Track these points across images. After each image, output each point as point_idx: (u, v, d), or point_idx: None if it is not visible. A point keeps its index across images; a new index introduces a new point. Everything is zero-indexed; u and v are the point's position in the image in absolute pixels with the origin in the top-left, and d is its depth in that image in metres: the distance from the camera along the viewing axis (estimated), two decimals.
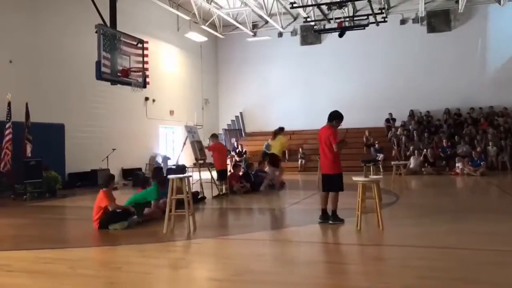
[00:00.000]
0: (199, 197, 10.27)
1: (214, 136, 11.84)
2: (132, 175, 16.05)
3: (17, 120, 12.14)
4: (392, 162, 13.72)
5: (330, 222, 6.90)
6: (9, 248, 5.98)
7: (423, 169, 17.60)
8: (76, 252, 5.67)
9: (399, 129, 21.09)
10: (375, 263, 4.94)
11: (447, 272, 4.33)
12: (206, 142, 13.48)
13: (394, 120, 22.01)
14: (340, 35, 17.51)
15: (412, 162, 17.71)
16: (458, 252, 5.14)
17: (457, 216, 7.90)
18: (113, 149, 15.61)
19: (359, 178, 6.57)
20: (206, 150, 11.78)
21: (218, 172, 11.32)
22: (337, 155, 6.99)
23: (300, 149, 21.41)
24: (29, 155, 12.14)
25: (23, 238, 6.85)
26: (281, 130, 13.43)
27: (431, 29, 21.95)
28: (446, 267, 4.50)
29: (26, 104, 12.38)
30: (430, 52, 21.91)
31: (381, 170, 17.85)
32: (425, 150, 18.45)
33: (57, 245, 6.08)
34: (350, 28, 17.37)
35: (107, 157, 15.26)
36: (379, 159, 18.42)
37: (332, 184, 6.98)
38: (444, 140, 18.84)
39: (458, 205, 9.64)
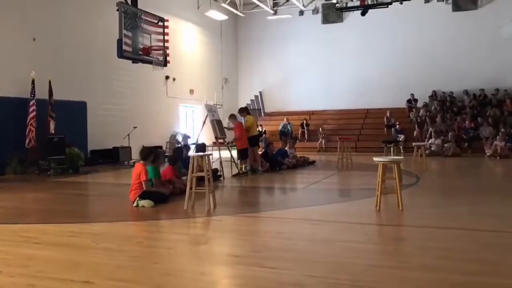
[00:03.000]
0: (218, 173, 10.38)
1: (233, 117, 11.78)
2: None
3: (40, 98, 12.36)
4: (413, 143, 13.58)
5: None
6: (36, 222, 6.17)
7: (444, 147, 17.31)
8: (99, 227, 5.81)
9: (421, 110, 20.78)
10: (394, 243, 4.94)
11: (465, 253, 4.32)
12: (225, 121, 13.51)
13: (416, 100, 21.69)
14: (363, 14, 17.18)
15: (432, 144, 17.42)
16: (477, 234, 5.10)
17: (478, 198, 7.81)
18: (134, 127, 15.80)
19: (379, 158, 6.52)
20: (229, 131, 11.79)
21: (239, 151, 11.36)
22: None
23: (320, 129, 21.31)
24: (53, 132, 12.39)
25: (48, 212, 7.04)
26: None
27: (457, 7, 21.32)
28: (465, 249, 4.48)
29: (49, 81, 12.58)
30: (454, 31, 21.38)
31: (402, 151, 17.70)
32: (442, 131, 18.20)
33: (80, 220, 6.24)
34: (373, 6, 16.97)
35: (128, 135, 15.46)
36: (400, 140, 18.25)
37: None
38: (467, 122, 18.51)
39: (479, 187, 9.52)
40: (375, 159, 6.59)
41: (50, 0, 13.67)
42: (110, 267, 4.02)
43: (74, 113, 13.87)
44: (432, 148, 17.20)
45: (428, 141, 17.73)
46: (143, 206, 6.86)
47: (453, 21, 21.32)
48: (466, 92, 21.10)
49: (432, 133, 17.97)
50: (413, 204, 7.01)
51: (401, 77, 22.09)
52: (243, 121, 11.85)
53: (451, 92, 21.43)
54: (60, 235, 5.27)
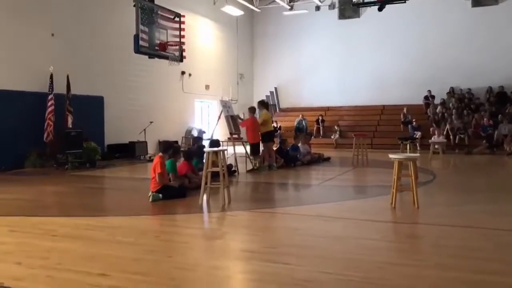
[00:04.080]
0: (232, 169, 10.42)
1: (252, 110, 11.74)
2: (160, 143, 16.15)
3: (59, 92, 12.53)
4: (430, 140, 13.45)
5: None
6: (54, 215, 6.29)
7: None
8: (115, 220, 5.90)
9: (438, 107, 20.53)
10: (409, 241, 4.92)
11: (481, 252, 4.28)
12: (242, 116, 13.51)
13: (433, 97, 21.42)
14: (380, 9, 16.97)
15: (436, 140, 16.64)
16: (494, 233, 5.05)
17: (495, 196, 7.72)
18: (151, 122, 15.93)
19: (395, 156, 6.49)
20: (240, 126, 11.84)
21: (251, 146, 11.36)
22: None
23: (336, 126, 21.22)
24: (70, 126, 12.55)
25: (65, 205, 7.17)
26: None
27: (476, 2, 20.96)
28: (481, 247, 4.44)
29: (67, 76, 12.73)
30: (474, 27, 21.00)
31: (418, 148, 17.52)
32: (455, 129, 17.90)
33: (96, 213, 6.34)
34: (390, 1, 16.77)
35: (144, 129, 15.60)
36: (417, 136, 18.07)
37: None
38: (485, 119, 18.23)
39: (496, 185, 9.40)
40: (391, 156, 6.56)
41: None
42: (125, 260, 4.09)
43: (92, 108, 14.02)
44: (436, 146, 16.07)
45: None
46: (153, 201, 7.00)
47: (472, 17, 20.96)
48: (485, 88, 20.76)
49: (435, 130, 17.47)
50: (429, 202, 6.96)
51: (418, 73, 21.83)
52: (258, 116, 11.82)
53: (469, 89, 21.11)
54: (77, 228, 5.36)
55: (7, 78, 11.87)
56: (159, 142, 7.93)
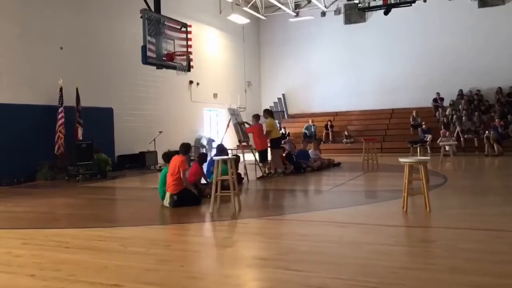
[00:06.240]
0: (241, 177, 10.40)
1: (256, 117, 11.75)
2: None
3: (68, 105, 12.64)
4: (440, 143, 13.35)
5: None
6: (66, 226, 6.31)
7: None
8: (127, 231, 5.91)
9: (448, 109, 20.38)
10: (422, 244, 4.87)
11: (497, 255, 4.22)
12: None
13: (442, 99, 21.29)
14: (386, 13, 16.98)
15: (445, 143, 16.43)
16: (509, 235, 4.99)
17: (509, 198, 7.63)
18: (160, 132, 16.00)
19: (405, 159, 6.44)
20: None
21: (259, 153, 11.36)
22: None
23: (345, 131, 21.15)
24: (81, 138, 12.63)
25: (77, 217, 7.20)
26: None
27: (483, 3, 20.85)
28: (495, 250, 4.38)
29: (77, 89, 12.84)
30: (481, 28, 20.85)
31: (429, 151, 17.40)
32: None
33: (108, 224, 6.36)
34: (396, 5, 16.75)
35: (154, 139, 15.66)
36: (427, 140, 17.95)
37: None
38: (496, 120, 18.05)
39: (508, 187, 9.29)
40: (401, 159, 6.51)
41: (76, 9, 13.98)
42: (138, 270, 4.09)
43: (101, 119, 14.12)
44: (447, 148, 15.89)
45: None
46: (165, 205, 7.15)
47: (479, 18, 20.82)
48: (495, 89, 20.59)
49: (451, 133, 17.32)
50: (441, 205, 6.89)
51: (426, 76, 21.70)
52: (264, 124, 11.81)
53: (478, 90, 20.95)
54: (89, 239, 5.38)
55: (18, 92, 12.01)
56: (181, 145, 7.95)
